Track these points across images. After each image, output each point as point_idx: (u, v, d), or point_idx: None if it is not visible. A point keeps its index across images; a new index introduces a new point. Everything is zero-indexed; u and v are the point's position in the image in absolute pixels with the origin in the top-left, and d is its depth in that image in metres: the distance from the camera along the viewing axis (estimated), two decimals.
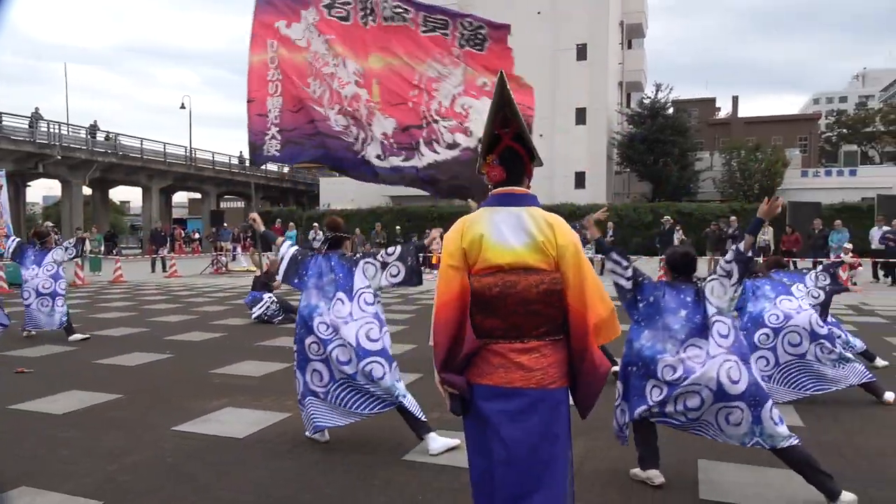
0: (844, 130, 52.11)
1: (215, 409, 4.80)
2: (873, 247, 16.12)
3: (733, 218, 18.35)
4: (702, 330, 3.25)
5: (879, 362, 6.16)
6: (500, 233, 2.05)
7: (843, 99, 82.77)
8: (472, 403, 2.08)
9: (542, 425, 2.00)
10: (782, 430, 3.11)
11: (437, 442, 3.78)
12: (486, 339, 2.05)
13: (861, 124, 50.79)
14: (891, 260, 15.44)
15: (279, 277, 4.22)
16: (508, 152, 2.11)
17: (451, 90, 6.22)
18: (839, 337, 5.31)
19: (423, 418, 3.86)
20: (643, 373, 3.32)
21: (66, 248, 8.25)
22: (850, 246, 15.39)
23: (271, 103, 6.32)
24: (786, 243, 16.73)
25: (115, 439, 4.13)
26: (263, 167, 44.94)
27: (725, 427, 3.19)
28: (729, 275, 3.33)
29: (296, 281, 4.03)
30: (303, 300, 3.98)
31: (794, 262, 16.97)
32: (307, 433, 4.04)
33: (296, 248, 4.17)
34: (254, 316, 9.38)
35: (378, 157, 6.10)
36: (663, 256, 3.49)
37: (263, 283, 9.79)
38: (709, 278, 3.40)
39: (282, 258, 4.12)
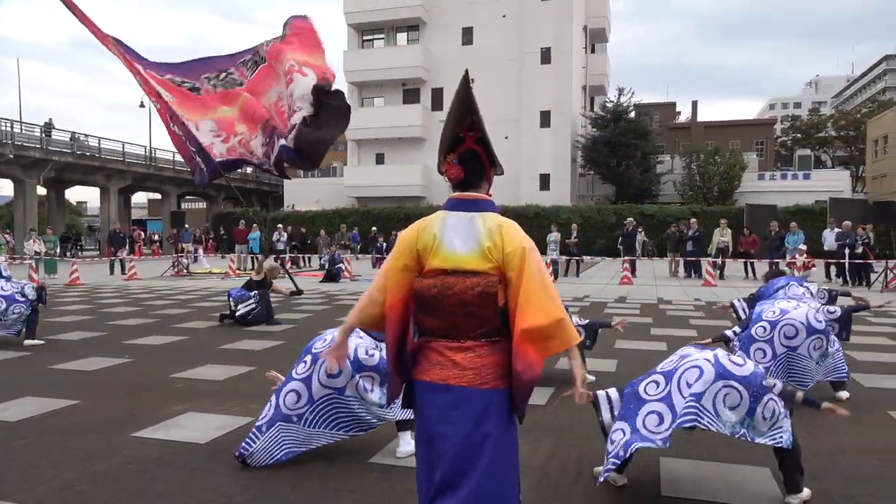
0: (799, 135, 53.78)
1: (177, 414, 4.71)
2: (826, 248, 16.67)
3: (693, 220, 18.77)
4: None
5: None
6: (450, 239, 2.10)
7: (798, 105, 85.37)
8: (414, 398, 2.16)
9: (471, 423, 2.03)
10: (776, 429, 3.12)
11: (409, 446, 3.73)
12: (428, 338, 2.12)
13: (814, 129, 52.51)
14: (842, 261, 15.97)
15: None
16: (470, 154, 2.14)
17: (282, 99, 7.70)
18: (832, 335, 5.22)
19: (407, 416, 3.70)
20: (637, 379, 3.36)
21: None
22: (804, 247, 15.89)
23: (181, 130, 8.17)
24: (744, 244, 17.18)
25: (74, 447, 4.02)
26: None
27: (721, 410, 3.07)
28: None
29: None
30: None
31: (752, 263, 17.44)
32: (264, 462, 3.68)
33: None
34: (238, 314, 9.17)
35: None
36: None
37: (257, 285, 9.54)
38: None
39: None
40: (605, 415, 3.30)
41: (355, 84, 36.92)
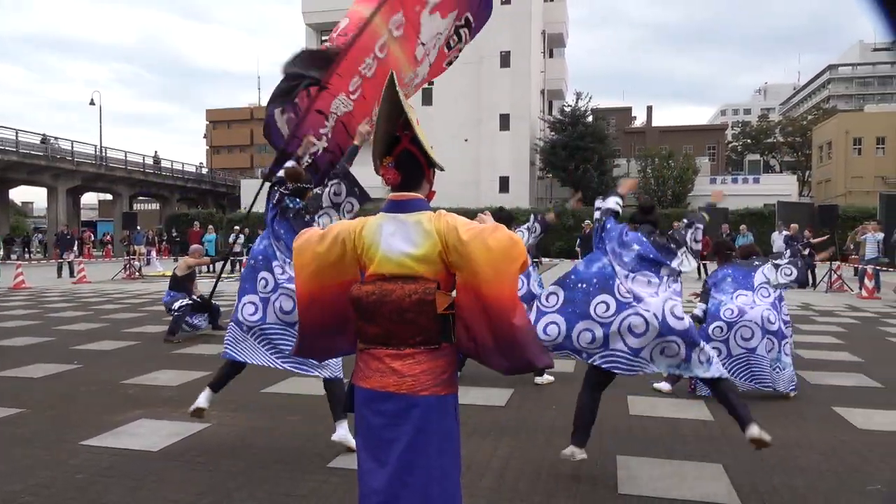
0: (748, 140, 55.50)
1: (129, 422, 4.57)
2: (775, 250, 17.23)
3: None
4: (653, 266, 3.50)
5: None
6: (388, 242, 2.06)
7: (748, 111, 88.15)
8: (356, 405, 2.13)
9: (412, 430, 2.01)
10: (712, 369, 3.41)
11: (343, 430, 3.86)
12: (368, 345, 2.09)
13: (763, 135, 54.26)
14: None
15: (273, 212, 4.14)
16: (406, 155, 2.08)
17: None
18: (787, 339, 5.34)
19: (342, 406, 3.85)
20: (595, 289, 3.44)
21: None
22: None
23: (337, 105, 5.23)
24: None
25: (19, 457, 3.86)
26: (180, 166, 43.22)
27: (658, 358, 3.41)
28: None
29: (277, 222, 4.08)
30: (265, 235, 4.08)
31: (705, 265, 17.90)
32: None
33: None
34: (175, 314, 8.67)
35: None
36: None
37: (180, 280, 8.96)
38: (682, 251, 3.65)
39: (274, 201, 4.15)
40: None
41: None
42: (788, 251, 6.00)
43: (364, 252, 2.10)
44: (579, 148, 33.53)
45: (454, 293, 2.11)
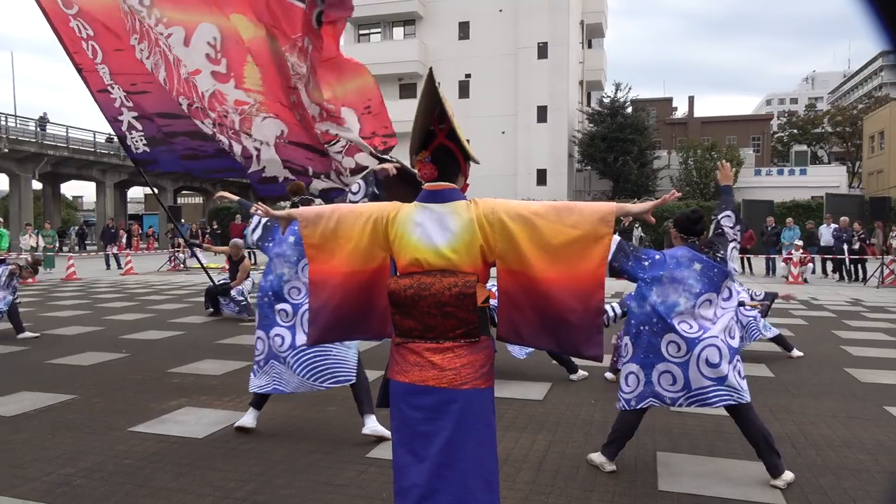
0: (795, 131, 53.81)
1: (174, 409, 4.70)
2: (822, 244, 16.71)
3: None
4: (717, 284, 3.35)
5: (795, 353, 6.47)
6: (423, 231, 2.05)
7: (794, 100, 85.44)
8: (392, 399, 2.13)
9: (451, 425, 2.01)
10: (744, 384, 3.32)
11: (372, 422, 3.99)
12: (405, 339, 2.07)
13: (810, 125, 52.55)
14: (839, 256, 16.02)
15: (253, 237, 4.32)
16: (442, 150, 2.07)
17: (312, 106, 5.00)
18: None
19: (370, 400, 4.01)
20: (660, 328, 3.32)
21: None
22: (800, 243, 15.93)
23: (103, 72, 4.80)
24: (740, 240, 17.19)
25: (70, 441, 4.01)
26: None
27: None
28: (737, 239, 3.53)
29: (264, 244, 4.24)
30: (268, 269, 4.17)
31: (749, 259, 17.48)
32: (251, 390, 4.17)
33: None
34: (221, 289, 9.44)
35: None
36: (671, 223, 3.57)
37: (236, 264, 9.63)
38: (730, 245, 3.49)
39: (256, 223, 4.34)
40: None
41: None
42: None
43: (396, 239, 2.09)
44: (618, 139, 33.02)
45: (493, 287, 2.12)
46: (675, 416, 4.50)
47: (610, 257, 3.21)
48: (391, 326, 2.16)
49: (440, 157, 2.08)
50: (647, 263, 3.39)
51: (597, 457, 3.55)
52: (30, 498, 3.17)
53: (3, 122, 28.55)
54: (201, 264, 12.88)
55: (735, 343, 3.34)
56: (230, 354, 6.73)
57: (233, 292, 9.35)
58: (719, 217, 3.58)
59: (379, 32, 37.00)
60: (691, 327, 3.29)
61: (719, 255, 3.41)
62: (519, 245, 2.03)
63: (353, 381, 4.02)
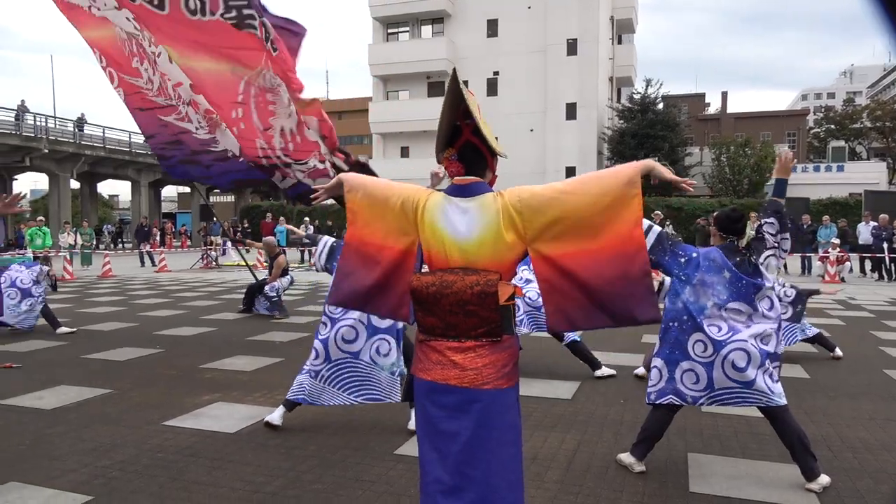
0: (832, 126, 52.45)
1: (206, 404, 4.78)
2: (861, 242, 16.27)
3: None
4: (745, 295, 3.26)
5: (837, 352, 6.32)
6: (450, 223, 2.05)
7: (832, 95, 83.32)
8: (416, 395, 2.13)
9: (473, 424, 2.00)
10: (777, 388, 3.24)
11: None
12: (428, 336, 2.07)
13: (849, 120, 51.16)
14: (878, 255, 15.58)
15: (321, 261, 4.59)
16: (468, 147, 2.07)
17: (287, 119, 5.35)
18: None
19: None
20: (689, 326, 3.28)
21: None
22: (837, 241, 15.54)
23: (122, 95, 5.32)
24: None
25: (106, 434, 4.11)
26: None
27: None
28: (779, 247, 3.44)
29: (332, 265, 4.48)
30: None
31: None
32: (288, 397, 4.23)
33: (332, 239, 4.73)
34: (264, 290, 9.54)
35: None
36: (711, 218, 3.47)
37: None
38: (766, 253, 3.41)
39: (322, 247, 4.64)
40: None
41: (380, 77, 36.96)
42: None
43: (426, 227, 2.08)
44: (649, 136, 32.57)
45: (521, 282, 2.11)
46: (707, 417, 4.43)
47: (648, 248, 3.18)
48: (409, 310, 2.16)
49: (466, 155, 2.07)
50: (683, 260, 3.34)
51: (626, 457, 3.52)
52: (68, 489, 3.26)
53: (44, 124, 29.35)
54: (245, 261, 13.19)
55: (770, 347, 3.25)
56: (261, 351, 6.82)
57: (266, 288, 9.44)
58: (762, 221, 3.50)
59: (407, 31, 37.08)
60: (720, 329, 3.23)
61: (753, 258, 3.34)
62: (552, 225, 2.01)
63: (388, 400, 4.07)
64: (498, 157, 2.14)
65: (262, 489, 3.27)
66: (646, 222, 3.37)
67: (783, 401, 3.24)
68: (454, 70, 2.03)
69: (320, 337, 4.14)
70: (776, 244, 3.45)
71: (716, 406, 3.36)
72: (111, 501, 3.13)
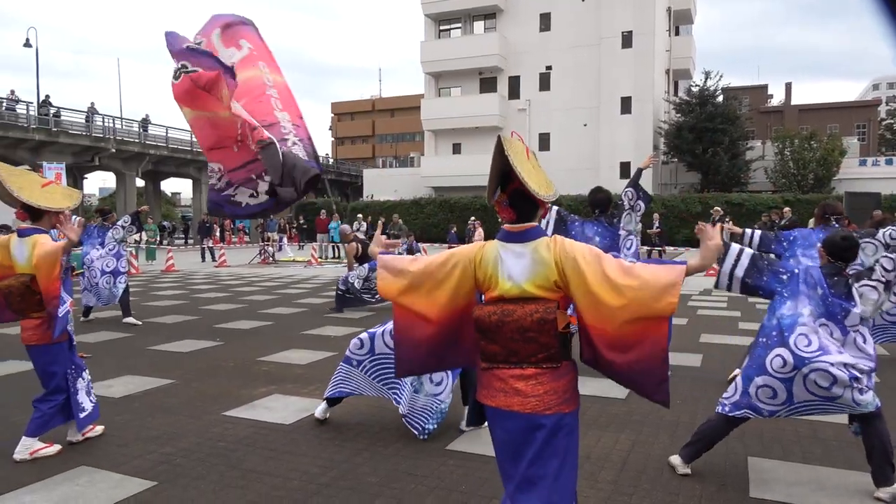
0: None
1: (263, 396, 4.91)
2: None
3: (787, 209, 17.73)
4: (833, 315, 3.12)
5: None
6: (507, 272, 2.15)
7: None
8: (488, 419, 2.26)
9: (539, 447, 2.09)
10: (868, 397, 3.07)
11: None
12: (491, 364, 2.17)
13: None
14: None
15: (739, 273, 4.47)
16: (518, 193, 2.13)
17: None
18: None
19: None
20: (774, 342, 3.16)
21: (124, 226, 8.37)
22: None
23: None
24: None
25: (168, 423, 4.27)
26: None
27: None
28: (886, 286, 3.23)
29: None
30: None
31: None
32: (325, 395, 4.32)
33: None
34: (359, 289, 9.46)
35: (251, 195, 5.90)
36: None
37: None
38: (866, 282, 3.24)
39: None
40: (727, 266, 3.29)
41: (432, 74, 37.09)
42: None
43: (485, 280, 2.19)
44: (708, 130, 31.59)
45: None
46: (768, 421, 4.26)
47: (742, 273, 3.21)
48: (477, 355, 2.26)
49: (517, 200, 2.15)
50: (784, 277, 3.23)
51: (675, 458, 3.45)
52: (134, 474, 3.41)
53: (111, 125, 30.70)
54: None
55: (864, 365, 3.06)
56: (315, 345, 6.96)
57: (339, 280, 9.57)
58: (883, 255, 3.38)
59: (459, 27, 37.06)
60: (809, 343, 3.06)
61: (851, 280, 3.18)
62: (583, 305, 2.11)
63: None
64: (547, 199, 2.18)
65: (316, 480, 3.34)
66: (735, 247, 3.34)
67: (872, 407, 3.07)
68: (499, 139, 2.08)
69: (370, 330, 4.23)
70: (884, 279, 3.24)
71: (795, 415, 3.22)
72: (175, 487, 3.26)
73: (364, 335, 4.21)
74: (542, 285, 2.11)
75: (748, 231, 5.12)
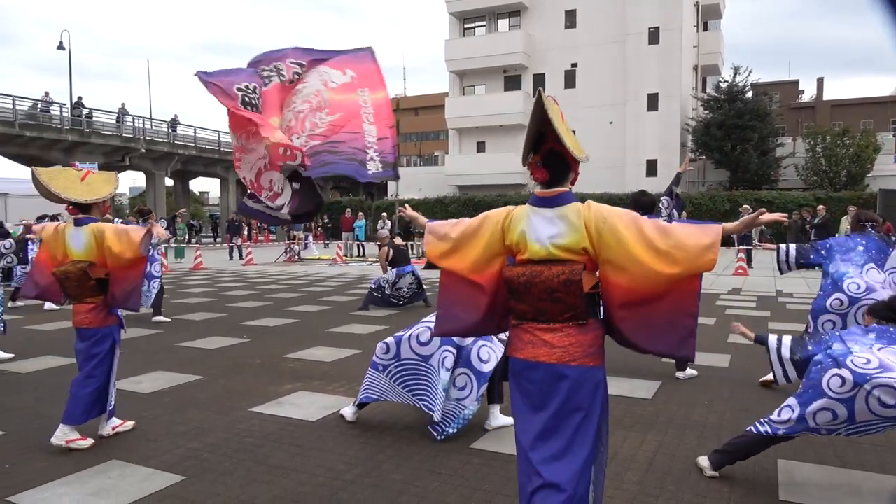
0: None
1: (289, 393, 4.96)
2: None
3: (821, 207, 17.31)
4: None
5: None
6: (537, 236, 2.20)
7: None
8: (511, 373, 2.31)
9: (563, 398, 2.15)
10: None
11: (497, 420, 4.07)
12: (520, 321, 2.26)
13: None
14: None
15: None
16: (552, 154, 2.18)
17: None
18: None
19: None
20: (828, 364, 3.01)
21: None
22: None
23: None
24: None
25: (197, 419, 4.34)
26: None
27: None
28: None
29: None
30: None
31: None
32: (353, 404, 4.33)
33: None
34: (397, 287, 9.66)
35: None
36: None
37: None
38: None
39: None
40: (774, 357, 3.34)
41: (456, 72, 37.05)
42: None
43: (514, 243, 2.26)
44: (737, 126, 31.04)
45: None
46: None
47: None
48: (507, 321, 2.35)
49: (551, 161, 2.20)
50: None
51: (703, 460, 3.39)
52: (163, 469, 3.47)
53: (141, 125, 31.28)
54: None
55: None
56: (340, 342, 7.01)
57: (381, 280, 9.64)
58: None
59: (484, 25, 36.96)
60: (868, 362, 2.93)
61: None
62: (615, 267, 2.15)
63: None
64: (580, 161, 2.22)
65: (341, 476, 3.36)
66: (772, 338, 3.37)
67: None
68: (539, 92, 2.13)
69: (396, 334, 4.21)
70: None
71: (855, 435, 3.06)
72: (203, 482, 3.30)
73: (390, 339, 4.19)
74: (570, 248, 2.16)
75: (783, 247, 5.07)
